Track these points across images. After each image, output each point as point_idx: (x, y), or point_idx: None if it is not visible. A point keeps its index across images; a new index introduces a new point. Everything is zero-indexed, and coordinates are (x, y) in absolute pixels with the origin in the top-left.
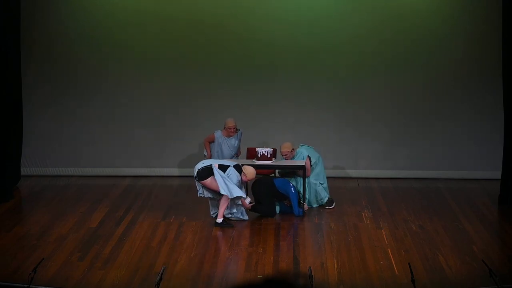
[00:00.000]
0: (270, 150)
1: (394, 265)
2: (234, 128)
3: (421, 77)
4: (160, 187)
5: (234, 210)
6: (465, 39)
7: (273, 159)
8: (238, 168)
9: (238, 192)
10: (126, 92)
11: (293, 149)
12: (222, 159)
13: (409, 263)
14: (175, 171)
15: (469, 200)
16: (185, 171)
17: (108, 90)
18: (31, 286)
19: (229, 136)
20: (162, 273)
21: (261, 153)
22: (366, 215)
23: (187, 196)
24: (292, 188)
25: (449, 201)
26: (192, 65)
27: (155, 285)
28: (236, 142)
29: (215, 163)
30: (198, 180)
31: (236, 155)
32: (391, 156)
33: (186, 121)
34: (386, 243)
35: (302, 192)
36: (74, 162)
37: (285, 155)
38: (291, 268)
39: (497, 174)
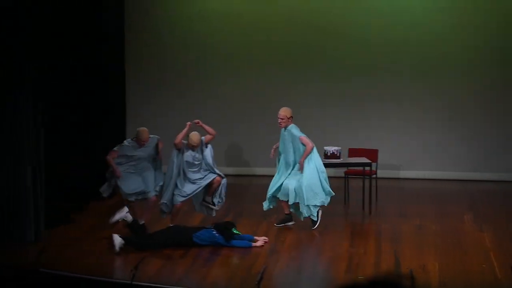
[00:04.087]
0: (339, 148)
1: (496, 269)
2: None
3: None
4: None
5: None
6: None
7: (341, 158)
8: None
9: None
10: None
11: (291, 117)
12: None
13: (511, 267)
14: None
15: None
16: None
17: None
18: (133, 282)
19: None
20: (262, 273)
21: (331, 152)
22: (469, 217)
23: None
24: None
25: None
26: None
27: (256, 285)
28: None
29: None
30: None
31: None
32: (496, 158)
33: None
34: (488, 246)
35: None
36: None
37: (282, 119)
38: (392, 269)
39: None
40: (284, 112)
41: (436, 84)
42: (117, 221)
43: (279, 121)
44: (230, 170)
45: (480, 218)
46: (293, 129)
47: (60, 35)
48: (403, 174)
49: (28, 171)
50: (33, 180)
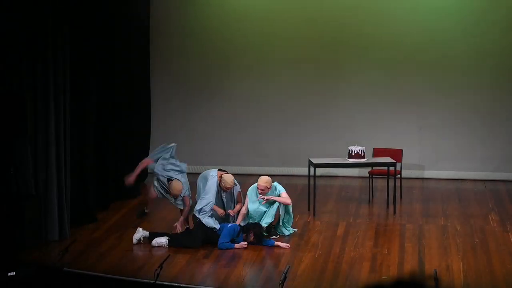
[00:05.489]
0: (364, 148)
1: None
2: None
3: None
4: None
5: None
6: None
7: (366, 157)
8: None
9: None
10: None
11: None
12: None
13: None
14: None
15: None
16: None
17: (237, 90)
18: (157, 282)
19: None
20: (286, 272)
21: (355, 152)
22: (493, 218)
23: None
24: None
25: None
26: (313, 65)
27: (280, 284)
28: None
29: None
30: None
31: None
32: None
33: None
34: None
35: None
36: (197, 160)
37: (262, 190)
38: (416, 270)
39: None
40: (265, 183)
41: (461, 84)
42: (139, 241)
43: (259, 191)
44: (255, 170)
45: (505, 218)
46: (277, 187)
47: (86, 37)
48: (428, 174)
49: (53, 170)
50: (58, 178)
